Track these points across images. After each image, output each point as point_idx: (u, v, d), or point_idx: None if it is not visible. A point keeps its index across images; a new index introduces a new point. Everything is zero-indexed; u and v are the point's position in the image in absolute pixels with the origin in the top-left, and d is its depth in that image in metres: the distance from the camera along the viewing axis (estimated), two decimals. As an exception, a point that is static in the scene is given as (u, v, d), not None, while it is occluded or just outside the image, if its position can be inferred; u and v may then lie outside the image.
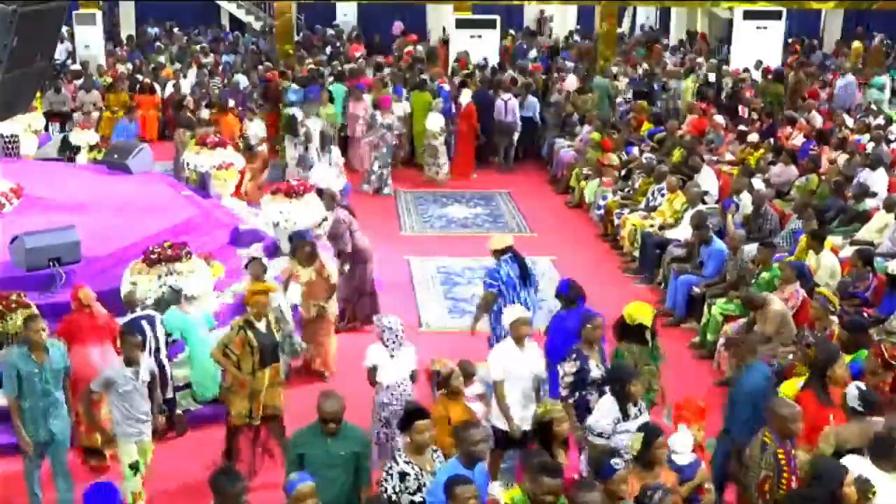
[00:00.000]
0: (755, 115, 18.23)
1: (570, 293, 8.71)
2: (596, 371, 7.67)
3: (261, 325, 8.14)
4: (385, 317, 8.27)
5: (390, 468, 6.08)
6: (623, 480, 5.81)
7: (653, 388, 7.97)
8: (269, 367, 8.14)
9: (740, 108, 19.56)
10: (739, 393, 7.44)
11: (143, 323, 8.72)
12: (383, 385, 8.03)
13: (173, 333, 9.32)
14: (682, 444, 6.86)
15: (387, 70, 21.95)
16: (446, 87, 19.63)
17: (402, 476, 6.03)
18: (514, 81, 19.95)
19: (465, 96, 18.42)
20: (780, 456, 6.22)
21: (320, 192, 12.52)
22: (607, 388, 7.29)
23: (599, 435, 7.03)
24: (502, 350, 7.95)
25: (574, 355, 7.71)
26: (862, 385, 7.17)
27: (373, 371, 8.03)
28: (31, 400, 7.45)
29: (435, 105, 18.01)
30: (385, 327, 8.06)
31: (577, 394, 7.65)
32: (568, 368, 7.68)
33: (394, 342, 8.01)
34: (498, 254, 9.41)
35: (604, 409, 7.11)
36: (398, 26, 30.65)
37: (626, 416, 7.02)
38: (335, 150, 15.76)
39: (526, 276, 9.38)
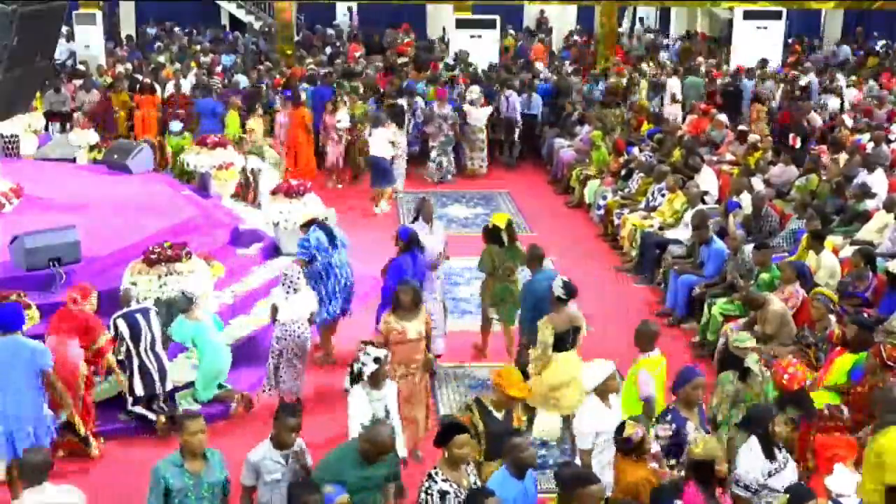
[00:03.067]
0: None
1: (408, 239, 9.86)
2: (694, 434, 6.60)
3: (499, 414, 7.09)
4: (286, 266, 9.61)
5: (429, 488, 5.90)
6: None
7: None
8: None
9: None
10: (525, 294, 9.27)
11: (138, 316, 8.83)
12: (280, 321, 9.16)
13: (185, 342, 9.35)
14: (844, 485, 6.33)
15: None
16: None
17: (443, 495, 5.87)
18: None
19: (473, 93, 18.65)
20: None
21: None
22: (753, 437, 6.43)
23: (746, 488, 6.33)
24: (591, 412, 6.99)
25: (669, 417, 6.73)
26: (565, 278, 8.60)
27: (273, 310, 9.20)
28: None
29: (477, 100, 18.43)
30: (283, 273, 9.33)
31: (672, 460, 6.68)
32: (661, 432, 6.70)
33: (289, 286, 9.16)
34: (305, 227, 10.71)
35: (750, 457, 6.37)
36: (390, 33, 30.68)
37: (771, 457, 6.40)
38: None
39: (333, 240, 10.52)
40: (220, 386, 9.47)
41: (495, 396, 6.96)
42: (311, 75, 20.70)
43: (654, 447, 6.67)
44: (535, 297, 9.00)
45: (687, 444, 6.43)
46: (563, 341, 8.41)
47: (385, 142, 16.07)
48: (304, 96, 18.54)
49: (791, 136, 15.58)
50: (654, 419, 7.09)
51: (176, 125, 16.79)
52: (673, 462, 6.66)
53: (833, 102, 19.34)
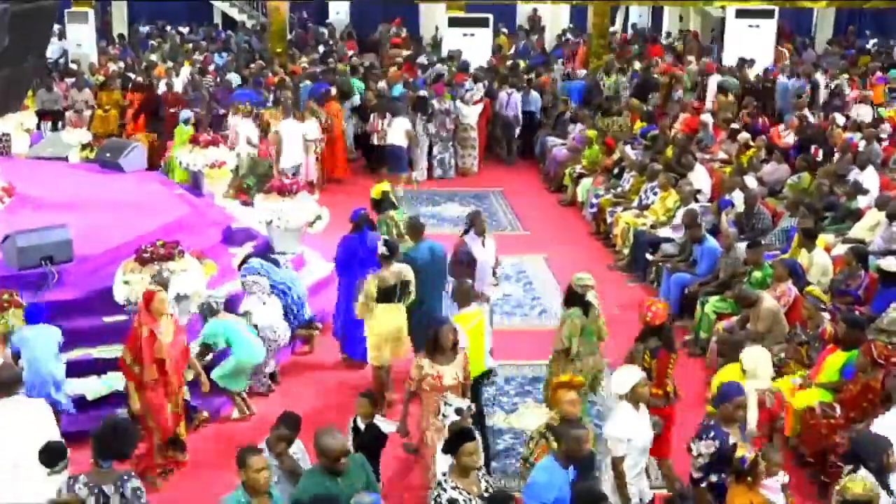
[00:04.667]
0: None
1: (357, 220, 10.35)
2: (738, 450, 6.54)
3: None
4: (252, 277, 9.98)
5: (438, 496, 5.88)
6: None
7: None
8: None
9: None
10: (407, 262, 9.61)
11: None
12: (259, 327, 9.62)
13: (218, 343, 9.33)
14: None
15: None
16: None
17: (452, 503, 5.86)
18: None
19: (479, 91, 18.71)
20: None
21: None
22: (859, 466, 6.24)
23: None
24: (623, 419, 6.91)
25: (712, 433, 6.60)
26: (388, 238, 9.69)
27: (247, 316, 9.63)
28: None
29: (469, 98, 18.55)
30: (252, 282, 9.88)
31: (713, 476, 6.62)
32: (704, 448, 6.57)
33: (261, 293, 9.82)
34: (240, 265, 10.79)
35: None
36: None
37: (889, 491, 6.18)
38: None
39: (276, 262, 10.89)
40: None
41: (556, 411, 6.86)
42: (311, 72, 20.82)
43: (699, 462, 6.62)
44: (413, 267, 9.63)
45: (729, 458, 6.43)
46: (390, 295, 9.28)
47: (402, 131, 16.57)
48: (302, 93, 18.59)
49: (814, 147, 15.21)
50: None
51: (186, 114, 16.80)
52: (714, 478, 6.58)
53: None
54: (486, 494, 5.93)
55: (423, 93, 18.54)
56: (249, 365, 9.41)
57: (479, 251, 10.17)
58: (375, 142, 17.54)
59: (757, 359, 8.16)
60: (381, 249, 9.37)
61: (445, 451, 6.10)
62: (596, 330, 8.68)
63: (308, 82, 19.71)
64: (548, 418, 7.06)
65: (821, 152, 14.99)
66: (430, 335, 7.67)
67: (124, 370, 8.23)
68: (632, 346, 7.96)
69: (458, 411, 6.97)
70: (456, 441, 6.03)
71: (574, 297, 8.65)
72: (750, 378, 7.98)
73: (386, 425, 7.66)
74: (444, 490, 5.88)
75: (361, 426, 7.36)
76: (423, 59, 24.22)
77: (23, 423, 6.73)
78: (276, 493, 6.02)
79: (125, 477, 6.10)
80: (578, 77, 21.35)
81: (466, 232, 10.49)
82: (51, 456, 6.50)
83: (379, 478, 6.95)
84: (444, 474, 6.06)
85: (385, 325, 9.31)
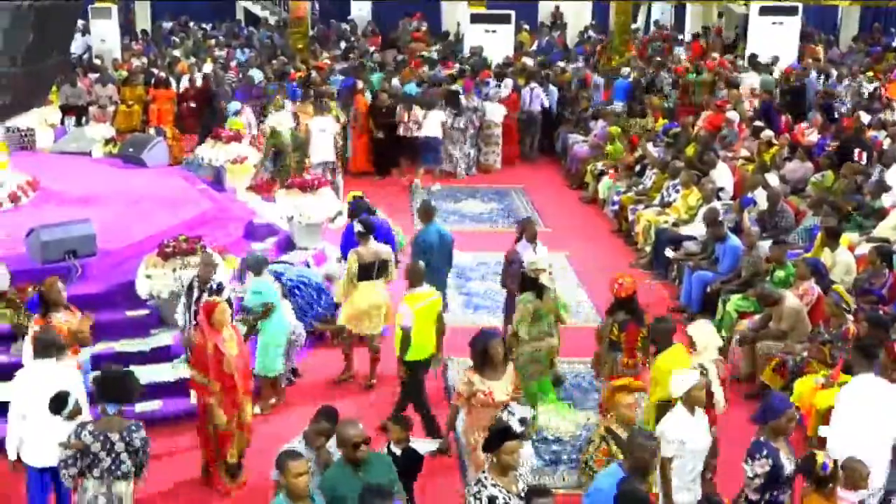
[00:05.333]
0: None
1: (354, 209, 10.84)
2: (789, 466, 6.45)
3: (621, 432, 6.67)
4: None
5: (479, 492, 5.84)
6: None
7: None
8: None
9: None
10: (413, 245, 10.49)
11: None
12: None
13: (255, 308, 9.18)
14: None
15: None
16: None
17: (492, 500, 5.82)
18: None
19: (507, 87, 18.85)
20: None
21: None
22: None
23: None
24: (677, 421, 6.79)
25: (764, 451, 6.35)
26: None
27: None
28: None
29: (494, 95, 18.82)
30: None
31: (767, 494, 6.43)
32: (759, 468, 6.33)
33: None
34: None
35: None
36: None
37: None
38: None
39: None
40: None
41: (615, 413, 6.70)
42: (344, 67, 21.07)
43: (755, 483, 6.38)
44: (422, 248, 10.35)
45: (784, 477, 6.33)
46: (368, 272, 9.71)
47: (437, 123, 17.27)
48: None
49: (857, 151, 14.84)
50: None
51: (234, 105, 16.97)
52: (768, 495, 6.40)
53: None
54: (522, 494, 5.88)
55: (455, 87, 18.65)
56: (277, 343, 9.28)
57: (531, 258, 9.74)
58: (402, 132, 17.57)
59: (705, 332, 7.77)
60: (358, 227, 9.80)
61: (486, 448, 6.01)
62: (552, 312, 8.91)
63: (341, 77, 19.95)
64: (604, 421, 6.83)
65: (864, 155, 14.66)
66: (478, 349, 7.38)
67: (198, 389, 8.02)
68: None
69: (522, 421, 6.85)
70: (498, 439, 5.95)
71: (527, 282, 8.85)
72: (702, 352, 7.63)
73: (423, 446, 7.39)
74: (485, 486, 5.85)
75: (397, 451, 6.94)
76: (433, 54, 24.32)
77: (56, 384, 6.94)
78: (318, 499, 5.92)
79: (133, 427, 6.46)
80: (622, 75, 21.30)
81: (518, 240, 10.34)
82: (56, 403, 6.78)
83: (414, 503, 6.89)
84: (483, 472, 6.00)
85: (364, 300, 9.74)
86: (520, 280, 9.07)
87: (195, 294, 8.91)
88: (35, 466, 7.15)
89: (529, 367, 8.74)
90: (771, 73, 21.04)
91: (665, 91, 20.74)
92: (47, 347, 7.20)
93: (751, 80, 20.51)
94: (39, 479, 7.20)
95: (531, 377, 8.79)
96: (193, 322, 8.66)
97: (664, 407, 7.13)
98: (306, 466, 5.81)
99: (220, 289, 8.93)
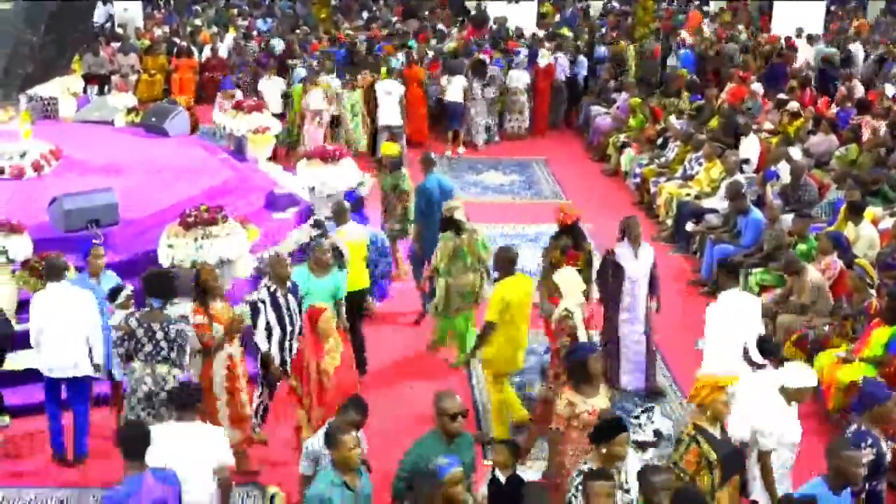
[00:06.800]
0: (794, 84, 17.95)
1: (353, 203, 10.91)
2: (889, 454, 6.32)
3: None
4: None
5: (580, 484, 5.64)
6: None
7: None
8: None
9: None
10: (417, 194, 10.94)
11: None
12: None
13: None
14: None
15: None
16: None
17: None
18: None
19: (545, 57, 18.99)
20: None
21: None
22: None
23: None
24: (777, 414, 6.56)
25: (868, 440, 6.21)
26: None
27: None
28: None
29: (520, 63, 18.96)
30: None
31: (866, 485, 6.21)
32: (863, 459, 6.07)
33: None
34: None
35: None
36: None
37: None
38: None
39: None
40: None
41: (711, 410, 6.36)
42: (370, 38, 21.14)
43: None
44: (426, 197, 10.75)
45: (885, 465, 6.25)
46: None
47: (460, 88, 17.45)
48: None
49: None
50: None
51: (301, 72, 17.25)
52: (867, 485, 6.21)
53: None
54: (625, 486, 5.82)
55: (483, 57, 18.73)
56: None
57: (629, 261, 9.22)
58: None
59: (569, 278, 7.99)
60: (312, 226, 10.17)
61: (595, 439, 5.81)
62: (471, 249, 9.46)
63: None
64: (694, 417, 6.57)
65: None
66: (576, 365, 6.72)
67: (299, 402, 7.75)
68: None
69: (657, 433, 6.71)
70: (610, 430, 5.79)
71: (445, 223, 9.47)
72: (567, 296, 7.84)
73: (529, 475, 6.98)
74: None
75: (501, 478, 6.32)
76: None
77: (69, 305, 7.84)
78: (365, 474, 5.89)
79: (173, 320, 7.28)
80: (687, 45, 21.29)
81: (621, 239, 9.42)
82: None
83: None
84: (585, 462, 5.86)
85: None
86: (441, 223, 9.60)
87: (282, 301, 8.05)
88: (52, 377, 7.94)
89: (455, 302, 9.43)
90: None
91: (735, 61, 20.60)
92: (56, 271, 7.96)
93: (808, 53, 20.43)
94: (53, 389, 8.02)
95: (458, 311, 9.49)
96: (298, 333, 8.07)
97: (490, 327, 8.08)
98: (357, 440, 5.78)
99: (318, 225, 9.88)
